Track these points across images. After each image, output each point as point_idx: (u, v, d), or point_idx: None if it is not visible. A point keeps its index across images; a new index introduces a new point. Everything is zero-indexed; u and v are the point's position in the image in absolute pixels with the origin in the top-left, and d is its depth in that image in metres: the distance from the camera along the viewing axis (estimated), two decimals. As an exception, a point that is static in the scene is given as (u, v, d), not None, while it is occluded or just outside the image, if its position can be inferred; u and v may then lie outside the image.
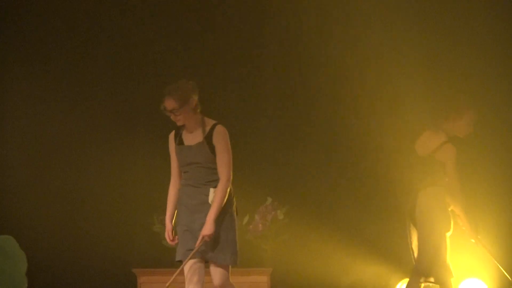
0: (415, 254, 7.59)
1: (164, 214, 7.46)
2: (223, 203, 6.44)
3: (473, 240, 7.55)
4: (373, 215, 9.30)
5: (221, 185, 6.45)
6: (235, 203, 6.57)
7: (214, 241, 6.40)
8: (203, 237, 6.34)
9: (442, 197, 7.42)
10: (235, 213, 6.55)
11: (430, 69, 9.26)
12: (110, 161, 9.70)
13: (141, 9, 10.04)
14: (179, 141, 6.59)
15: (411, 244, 7.67)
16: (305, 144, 9.62)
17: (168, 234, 6.59)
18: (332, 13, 9.76)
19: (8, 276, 8.09)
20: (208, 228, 6.31)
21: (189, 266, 6.46)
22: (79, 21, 9.98)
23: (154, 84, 9.66)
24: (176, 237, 6.52)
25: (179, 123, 6.51)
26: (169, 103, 6.37)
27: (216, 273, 6.47)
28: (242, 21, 10.00)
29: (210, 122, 6.54)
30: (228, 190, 6.52)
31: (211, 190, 6.43)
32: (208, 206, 6.47)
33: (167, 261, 8.61)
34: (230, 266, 6.44)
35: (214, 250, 6.42)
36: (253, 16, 10.01)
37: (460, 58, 9.31)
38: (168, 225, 6.61)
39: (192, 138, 6.55)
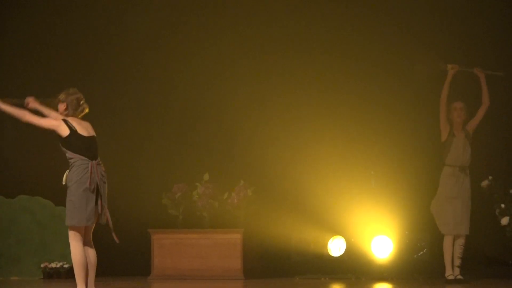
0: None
1: (168, 191, 9.24)
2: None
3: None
4: (314, 193, 9.97)
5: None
6: (87, 184, 6.56)
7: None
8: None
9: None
10: (86, 191, 6.58)
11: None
12: (128, 150, 10.24)
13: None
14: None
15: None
16: (267, 143, 10.31)
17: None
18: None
19: (63, 234, 9.77)
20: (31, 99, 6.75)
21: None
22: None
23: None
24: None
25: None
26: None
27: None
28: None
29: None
30: (81, 165, 6.57)
31: (66, 172, 6.65)
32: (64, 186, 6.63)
33: (171, 224, 10.09)
34: (69, 226, 6.70)
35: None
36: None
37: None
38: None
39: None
